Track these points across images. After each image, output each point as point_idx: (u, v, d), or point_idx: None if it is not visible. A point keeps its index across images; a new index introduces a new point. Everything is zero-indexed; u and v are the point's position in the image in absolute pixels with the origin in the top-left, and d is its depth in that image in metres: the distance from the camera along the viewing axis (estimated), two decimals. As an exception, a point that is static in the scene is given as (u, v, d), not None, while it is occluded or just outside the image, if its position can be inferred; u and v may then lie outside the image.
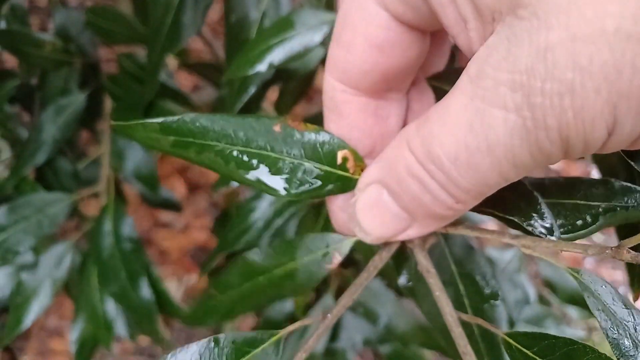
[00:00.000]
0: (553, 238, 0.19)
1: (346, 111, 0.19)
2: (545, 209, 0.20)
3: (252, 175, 0.19)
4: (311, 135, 0.19)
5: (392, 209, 0.18)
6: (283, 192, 0.19)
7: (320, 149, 0.19)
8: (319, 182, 0.19)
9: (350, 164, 0.19)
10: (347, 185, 0.20)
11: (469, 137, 0.14)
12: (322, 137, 0.19)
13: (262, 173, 0.19)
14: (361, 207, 0.19)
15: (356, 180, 0.19)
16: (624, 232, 0.22)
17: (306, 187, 0.19)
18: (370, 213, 0.18)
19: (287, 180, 0.19)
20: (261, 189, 0.19)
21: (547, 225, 0.20)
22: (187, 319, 0.26)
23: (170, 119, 0.19)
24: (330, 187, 0.19)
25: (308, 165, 0.19)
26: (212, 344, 0.18)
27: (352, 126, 0.20)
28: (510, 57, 0.13)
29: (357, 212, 0.19)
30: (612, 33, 0.12)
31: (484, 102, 0.14)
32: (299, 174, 0.19)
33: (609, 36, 0.12)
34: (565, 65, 0.12)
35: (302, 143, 0.19)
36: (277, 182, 0.19)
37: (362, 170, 0.20)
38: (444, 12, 0.16)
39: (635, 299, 0.22)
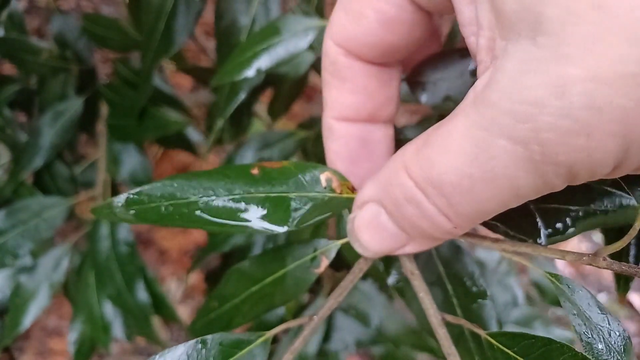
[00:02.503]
0: (541, 242, 0.20)
1: (349, 75, 0.19)
2: (536, 214, 0.20)
3: (244, 221, 0.19)
4: (289, 169, 0.20)
5: (390, 229, 0.18)
6: (282, 229, 0.19)
7: (302, 178, 0.19)
8: (311, 209, 0.19)
9: (335, 184, 0.20)
10: (337, 204, 0.20)
11: (472, 167, 0.14)
12: (300, 166, 0.20)
13: (254, 216, 0.19)
14: (359, 225, 0.19)
15: (345, 198, 0.20)
16: (611, 236, 0.22)
17: (300, 217, 0.19)
18: (368, 231, 0.18)
19: (280, 216, 0.19)
20: (258, 232, 0.19)
21: (537, 229, 0.20)
22: (190, 332, 0.26)
23: (146, 188, 0.19)
24: (322, 211, 0.20)
25: (295, 196, 0.19)
26: (200, 345, 0.18)
27: (355, 90, 0.19)
28: (521, 86, 0.13)
29: (355, 229, 0.19)
30: (631, 78, 0.12)
31: (488, 131, 0.14)
32: (291, 207, 0.19)
33: (629, 81, 0.12)
34: (582, 105, 0.12)
35: (283, 178, 0.19)
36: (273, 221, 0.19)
37: (348, 187, 0.20)
38: (460, 9, 0.15)
39: (620, 302, 0.22)
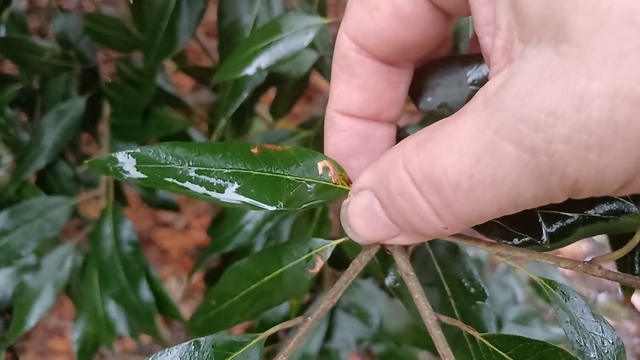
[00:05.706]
0: (543, 240, 0.19)
1: (359, 71, 0.19)
2: (541, 218, 0.20)
3: (233, 195, 0.19)
4: (289, 152, 0.20)
5: (382, 218, 0.18)
6: (270, 208, 0.19)
7: (300, 163, 0.20)
8: (303, 194, 0.19)
9: (331, 173, 0.20)
10: (331, 194, 0.20)
11: (475, 169, 0.14)
12: (300, 152, 0.20)
13: (244, 192, 0.19)
14: (352, 211, 0.19)
15: (338, 189, 0.20)
16: (617, 241, 0.22)
17: (290, 199, 0.19)
18: (361, 217, 0.19)
19: (272, 195, 0.19)
20: (246, 207, 0.19)
21: (539, 228, 0.20)
22: (188, 330, 0.27)
23: (143, 148, 0.19)
24: (314, 197, 0.20)
25: (290, 179, 0.19)
26: (193, 347, 0.18)
27: (363, 87, 0.19)
28: (538, 93, 0.12)
29: (348, 214, 0.19)
30: None
31: (497, 134, 0.13)
32: (282, 188, 0.19)
33: None
34: (599, 120, 0.12)
35: (281, 160, 0.19)
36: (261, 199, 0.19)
37: (344, 179, 0.20)
38: (477, 8, 0.15)
39: (626, 302, 0.22)
